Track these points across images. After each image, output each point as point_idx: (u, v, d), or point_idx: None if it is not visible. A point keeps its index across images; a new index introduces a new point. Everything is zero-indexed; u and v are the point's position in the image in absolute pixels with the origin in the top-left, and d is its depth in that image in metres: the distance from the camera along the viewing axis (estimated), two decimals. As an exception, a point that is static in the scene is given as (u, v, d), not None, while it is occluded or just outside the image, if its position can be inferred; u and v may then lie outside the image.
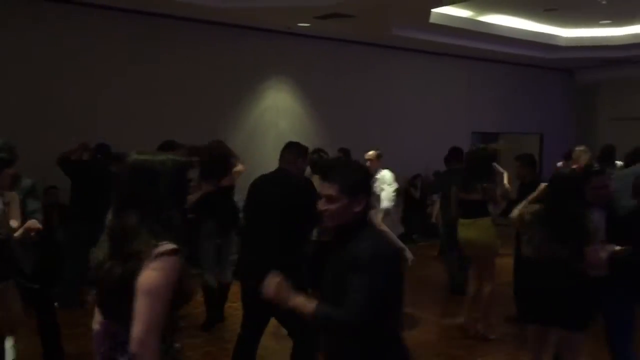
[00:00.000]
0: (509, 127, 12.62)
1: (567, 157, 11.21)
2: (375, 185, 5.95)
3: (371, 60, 10.71)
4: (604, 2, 9.05)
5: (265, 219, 3.88)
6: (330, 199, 2.31)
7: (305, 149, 4.25)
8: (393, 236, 4.55)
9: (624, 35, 11.23)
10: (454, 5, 9.31)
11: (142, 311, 1.86)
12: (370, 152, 6.97)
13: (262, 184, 4.08)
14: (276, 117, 9.65)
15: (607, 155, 6.67)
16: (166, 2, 7.81)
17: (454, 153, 7.72)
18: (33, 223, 3.89)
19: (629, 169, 5.37)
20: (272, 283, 2.30)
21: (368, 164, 6.48)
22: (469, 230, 5.69)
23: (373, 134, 10.32)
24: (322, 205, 2.33)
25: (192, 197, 5.07)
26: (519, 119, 12.78)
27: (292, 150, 4.14)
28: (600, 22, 10.70)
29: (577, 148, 7.17)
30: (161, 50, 8.51)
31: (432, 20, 9.29)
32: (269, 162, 4.96)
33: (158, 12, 8.30)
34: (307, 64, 9.96)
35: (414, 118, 11.20)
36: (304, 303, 2.25)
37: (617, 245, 3.45)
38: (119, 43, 8.13)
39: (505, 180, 6.34)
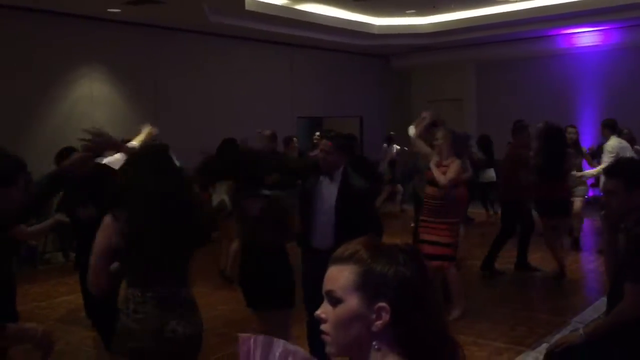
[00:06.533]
0: (331, 112, 13.20)
1: (389, 140, 12.15)
2: None
3: (191, 47, 10.61)
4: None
5: None
6: None
7: None
8: None
9: (427, 24, 12.22)
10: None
11: None
12: None
13: None
14: (91, 107, 9.25)
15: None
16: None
17: None
18: None
19: None
20: None
21: None
22: None
23: (196, 123, 10.27)
24: None
25: None
26: (341, 103, 13.39)
27: None
28: (406, 11, 11.54)
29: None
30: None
31: (247, 7, 9.44)
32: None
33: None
34: (122, 52, 9.63)
35: (239, 106, 11.29)
36: None
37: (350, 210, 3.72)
38: None
39: None
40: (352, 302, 1.24)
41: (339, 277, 1.26)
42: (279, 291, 3.49)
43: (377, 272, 1.24)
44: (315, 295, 3.44)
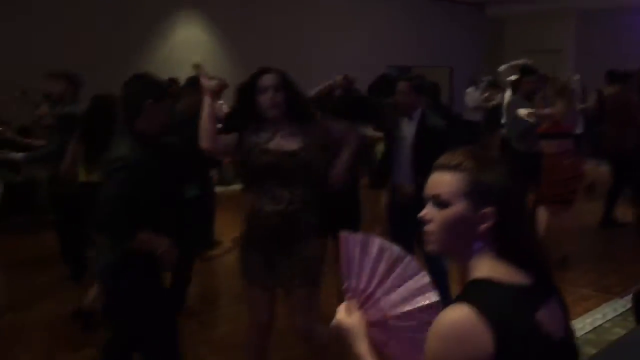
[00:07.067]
0: (420, 61, 12.98)
1: (472, 82, 11.70)
2: None
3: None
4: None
5: None
6: None
7: None
8: None
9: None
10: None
11: None
12: None
13: None
14: (187, 53, 9.59)
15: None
16: None
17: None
18: None
19: None
20: None
21: None
22: None
23: (288, 67, 10.41)
24: None
25: None
26: (431, 52, 13.15)
27: None
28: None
29: None
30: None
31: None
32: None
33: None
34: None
35: (328, 52, 11.35)
36: None
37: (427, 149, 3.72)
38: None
39: None
40: (459, 206, 1.34)
41: (446, 183, 1.36)
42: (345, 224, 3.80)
43: (484, 180, 1.33)
44: (400, 224, 3.55)
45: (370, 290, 1.46)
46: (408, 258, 1.46)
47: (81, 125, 4.31)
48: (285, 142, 2.75)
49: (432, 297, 1.44)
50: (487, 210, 1.33)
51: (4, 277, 4.95)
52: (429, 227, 1.38)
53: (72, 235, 5.04)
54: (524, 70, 6.04)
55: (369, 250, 1.48)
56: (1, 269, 5.48)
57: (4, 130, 5.68)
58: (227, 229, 5.73)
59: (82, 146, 4.24)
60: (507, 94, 8.27)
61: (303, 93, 2.94)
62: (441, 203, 1.36)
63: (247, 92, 2.77)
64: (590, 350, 3.52)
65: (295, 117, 2.79)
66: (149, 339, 2.81)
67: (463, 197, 1.34)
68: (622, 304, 4.34)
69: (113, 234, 2.61)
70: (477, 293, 1.29)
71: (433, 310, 1.41)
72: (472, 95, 11.50)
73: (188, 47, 9.67)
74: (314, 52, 11.12)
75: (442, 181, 1.37)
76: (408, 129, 4.01)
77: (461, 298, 1.28)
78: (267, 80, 2.76)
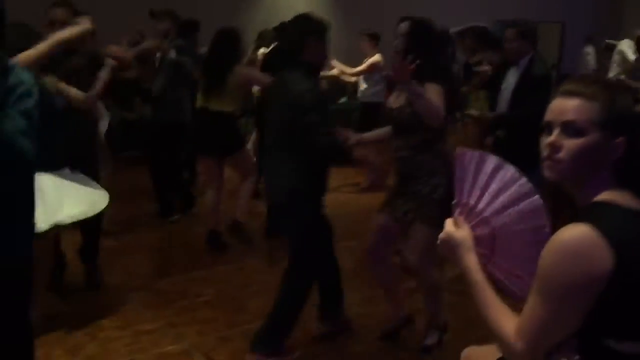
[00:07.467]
0: (530, 15, 12.31)
1: (590, 40, 11.02)
2: None
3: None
4: None
5: None
6: None
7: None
8: None
9: None
10: None
11: None
12: None
13: None
14: (293, 1, 9.62)
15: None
16: None
17: None
18: None
19: None
20: None
21: None
22: None
23: (392, 20, 10.25)
24: None
25: None
26: (541, 6, 12.45)
27: None
28: None
29: None
30: None
31: None
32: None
33: None
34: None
35: (438, 5, 11.01)
36: None
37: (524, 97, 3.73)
38: None
39: None
40: (594, 136, 1.31)
41: (580, 110, 1.32)
42: None
43: (618, 110, 1.32)
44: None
45: (480, 206, 1.49)
46: (522, 179, 1.47)
47: (205, 56, 4.57)
48: (395, 98, 2.96)
49: (542, 218, 1.45)
50: (619, 140, 1.32)
51: (119, 206, 5.31)
52: (559, 155, 1.34)
53: (179, 165, 5.34)
54: None
55: (484, 167, 1.49)
56: (115, 199, 5.86)
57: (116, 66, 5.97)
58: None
59: (203, 75, 4.48)
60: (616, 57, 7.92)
61: (432, 46, 2.96)
62: (575, 131, 1.32)
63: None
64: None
65: (421, 70, 2.69)
66: (311, 260, 2.99)
67: (598, 127, 1.31)
68: None
69: (333, 154, 2.92)
70: (597, 213, 1.29)
71: (542, 230, 1.42)
72: (593, 57, 10.97)
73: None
74: (423, 5, 10.84)
75: (575, 108, 1.33)
76: (513, 77, 4.00)
77: (581, 218, 1.28)
78: (398, 29, 2.89)
